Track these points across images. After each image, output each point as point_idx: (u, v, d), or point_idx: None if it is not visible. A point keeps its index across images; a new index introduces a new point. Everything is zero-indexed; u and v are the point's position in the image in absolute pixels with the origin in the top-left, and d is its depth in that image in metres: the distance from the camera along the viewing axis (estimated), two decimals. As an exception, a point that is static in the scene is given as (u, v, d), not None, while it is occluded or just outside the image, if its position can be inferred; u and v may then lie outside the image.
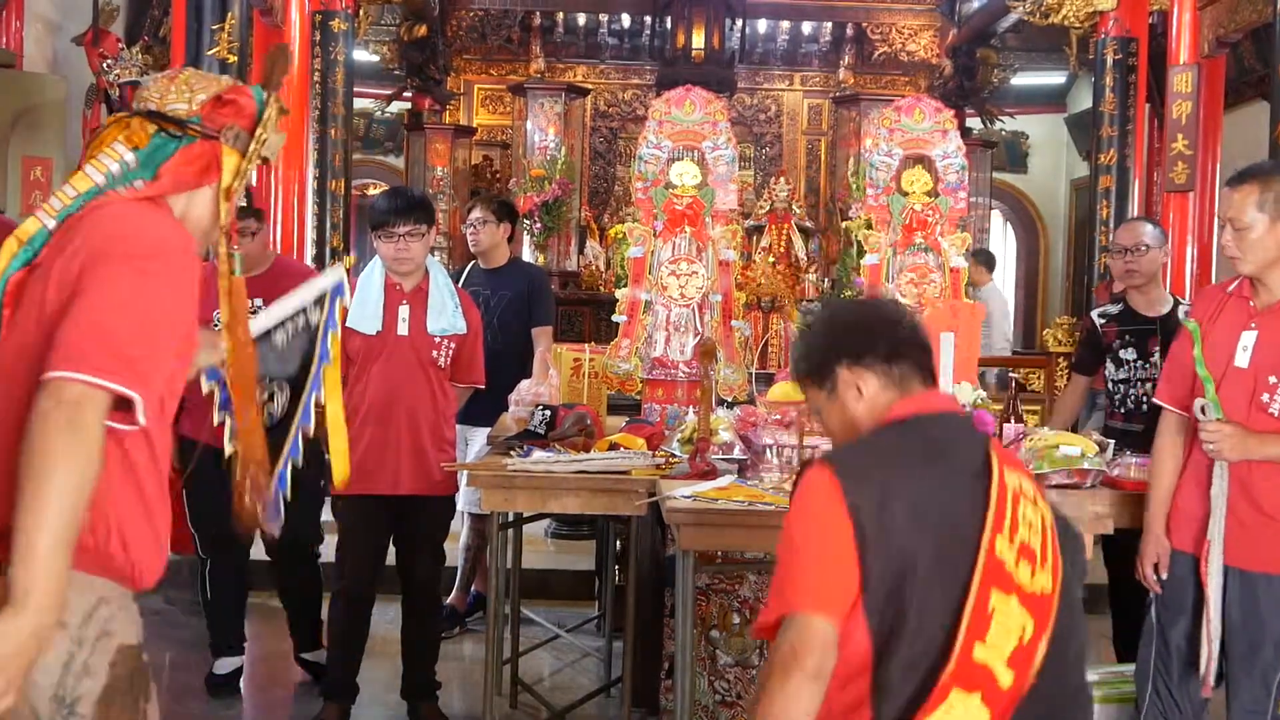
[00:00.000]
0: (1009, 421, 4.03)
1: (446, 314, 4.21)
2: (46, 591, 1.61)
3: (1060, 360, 8.36)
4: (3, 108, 6.77)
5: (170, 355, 1.82)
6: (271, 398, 2.53)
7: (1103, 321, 4.50)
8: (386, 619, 4.39)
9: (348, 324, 4.08)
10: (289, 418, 2.59)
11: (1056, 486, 3.59)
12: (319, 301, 2.69)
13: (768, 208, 9.71)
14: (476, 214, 5.40)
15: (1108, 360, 4.44)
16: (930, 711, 1.67)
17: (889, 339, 1.94)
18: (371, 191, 12.13)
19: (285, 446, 2.51)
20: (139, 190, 1.92)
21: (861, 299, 2.04)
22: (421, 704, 4.31)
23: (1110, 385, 4.44)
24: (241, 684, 4.71)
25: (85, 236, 1.81)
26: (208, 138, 1.99)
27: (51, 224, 1.87)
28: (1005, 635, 1.70)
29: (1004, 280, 15.06)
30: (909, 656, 1.70)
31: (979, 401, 3.92)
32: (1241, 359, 3.16)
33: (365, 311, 4.12)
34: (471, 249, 5.47)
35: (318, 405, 2.64)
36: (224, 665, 4.62)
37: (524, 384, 4.57)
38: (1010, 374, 4.43)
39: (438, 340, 4.18)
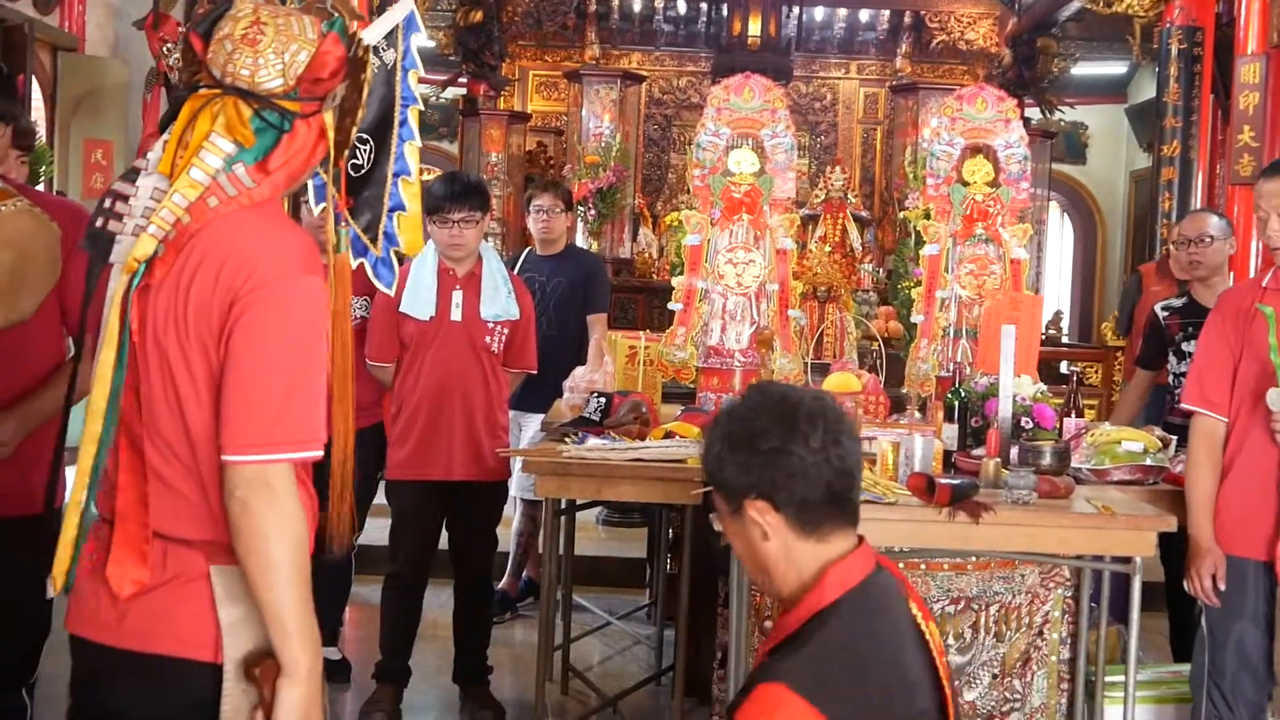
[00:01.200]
0: (1069, 416, 3.98)
1: (500, 300, 4.22)
2: (313, 656, 1.73)
3: (1118, 354, 8.25)
4: (65, 91, 6.87)
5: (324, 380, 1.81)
6: (354, 151, 2.23)
7: (1166, 314, 4.43)
8: (438, 603, 4.41)
9: (401, 309, 4.15)
10: (376, 167, 2.30)
11: (1118, 483, 3.54)
12: (389, 38, 2.29)
13: (823, 197, 9.65)
14: (547, 201, 5.39)
15: (1170, 354, 4.36)
16: None
17: (814, 483, 1.66)
18: (426, 177, 12.16)
19: (385, 199, 2.26)
20: (250, 187, 1.78)
21: (793, 403, 1.69)
22: (473, 688, 4.34)
23: (1172, 379, 4.37)
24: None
25: (220, 270, 1.72)
26: (308, 116, 1.81)
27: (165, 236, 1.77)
28: None
29: (1061, 273, 14.91)
30: None
31: (1039, 395, 3.87)
32: None
33: (419, 297, 4.13)
34: (541, 236, 5.45)
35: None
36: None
37: (579, 371, 4.57)
38: (1071, 368, 4.36)
39: (491, 326, 4.19)
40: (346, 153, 1.98)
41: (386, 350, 4.20)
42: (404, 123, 2.30)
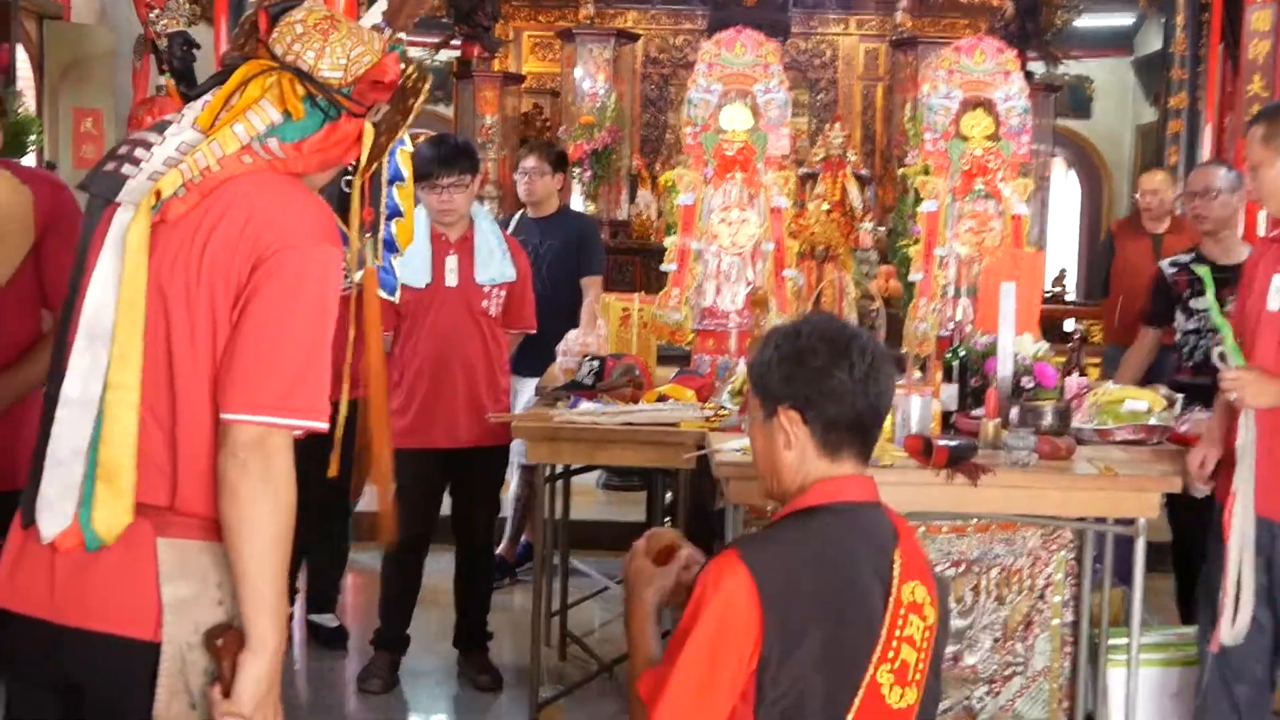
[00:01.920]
0: (1071, 375, 3.91)
1: (494, 262, 4.18)
2: (280, 633, 1.68)
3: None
4: (52, 59, 6.77)
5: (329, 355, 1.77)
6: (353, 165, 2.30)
7: (1173, 270, 4.34)
8: (437, 569, 4.37)
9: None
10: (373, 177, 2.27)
11: (1122, 443, 3.47)
12: None
13: (822, 155, 9.53)
14: (531, 163, 5.32)
15: (1178, 311, 4.28)
16: None
17: (845, 408, 1.80)
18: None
19: (381, 207, 2.29)
20: (282, 159, 1.78)
21: (849, 335, 1.82)
22: (473, 653, 4.33)
23: (1180, 336, 4.29)
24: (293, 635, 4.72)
25: (245, 225, 1.69)
26: (355, 115, 1.84)
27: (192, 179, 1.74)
28: None
29: (1066, 230, 14.79)
30: None
31: (1040, 354, 3.80)
32: (1273, 302, 3.09)
33: (413, 264, 4.08)
34: (524, 198, 5.39)
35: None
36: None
37: (571, 334, 4.52)
38: (1075, 326, 4.29)
39: (487, 289, 4.16)
40: (372, 169, 1.97)
41: (384, 319, 4.14)
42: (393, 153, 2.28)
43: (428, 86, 1.94)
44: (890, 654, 1.71)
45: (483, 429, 4.10)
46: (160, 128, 1.81)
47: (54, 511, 1.69)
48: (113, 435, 1.67)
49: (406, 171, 2.29)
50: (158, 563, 1.67)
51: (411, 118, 1.93)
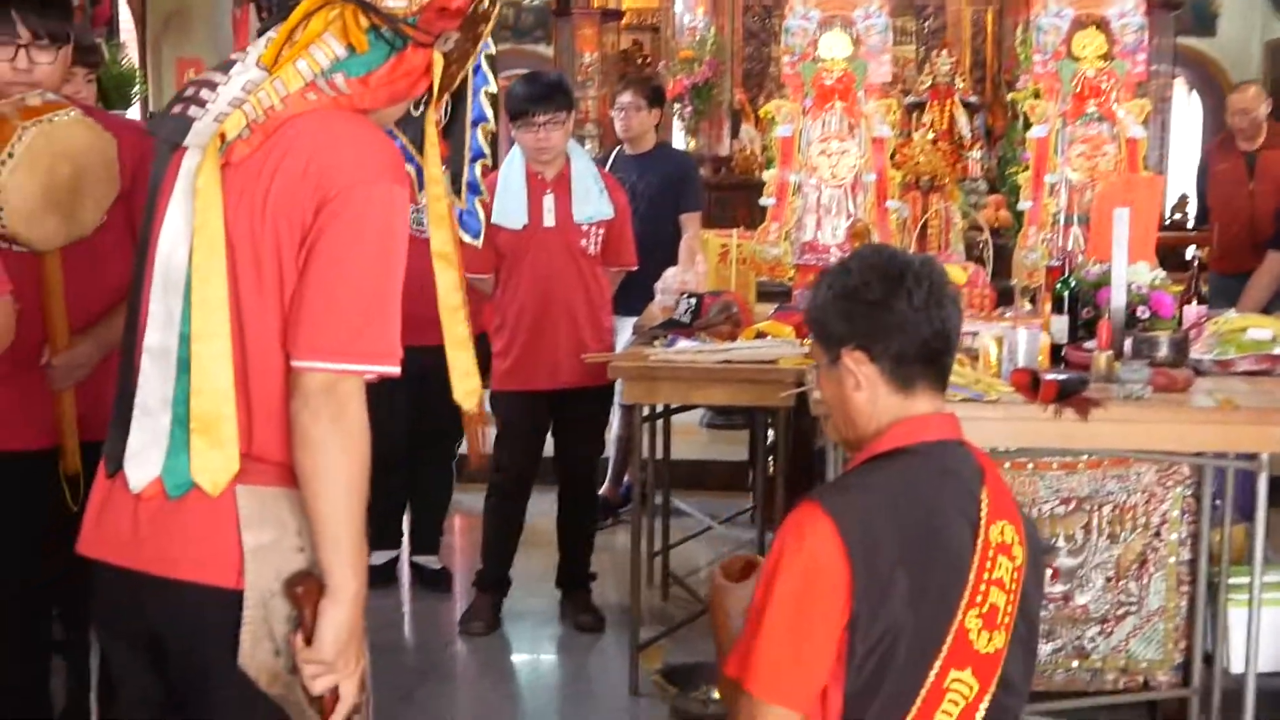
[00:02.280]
0: (1190, 304, 3.75)
1: (592, 200, 4.13)
2: (361, 579, 1.66)
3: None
4: (153, 11, 6.88)
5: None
6: None
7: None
8: (539, 510, 4.39)
9: (493, 220, 4.07)
10: (454, 120, 2.16)
11: (1244, 374, 3.31)
12: None
13: (929, 83, 9.28)
14: (627, 98, 5.26)
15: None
16: None
17: (911, 338, 1.71)
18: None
19: (465, 149, 2.24)
20: (348, 95, 1.71)
21: (901, 262, 1.73)
22: (575, 594, 4.34)
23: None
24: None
25: (308, 164, 1.65)
26: (421, 45, 1.76)
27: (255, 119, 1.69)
28: (954, 705, 1.63)
29: (1188, 154, 14.22)
30: None
31: (1157, 283, 3.65)
32: None
33: (509, 206, 4.06)
34: (621, 135, 5.33)
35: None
36: (379, 557, 4.67)
37: (670, 272, 4.47)
38: (1195, 253, 4.11)
39: (585, 228, 4.12)
40: (443, 101, 1.90)
41: (483, 262, 4.14)
42: (477, 81, 2.19)
43: (498, 10, 1.86)
44: (979, 598, 1.64)
45: (585, 369, 4.07)
46: (226, 67, 1.77)
47: (142, 461, 1.69)
48: (206, 385, 1.65)
49: (490, 112, 2.21)
50: (238, 510, 1.65)
51: (481, 44, 1.85)
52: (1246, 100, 5.67)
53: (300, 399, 1.61)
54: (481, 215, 2.26)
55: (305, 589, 1.63)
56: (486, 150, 2.24)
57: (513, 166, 4.12)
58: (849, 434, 1.80)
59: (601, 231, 4.15)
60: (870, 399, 1.73)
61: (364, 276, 1.64)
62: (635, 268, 4.37)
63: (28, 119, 2.51)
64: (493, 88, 2.22)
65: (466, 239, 2.27)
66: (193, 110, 1.73)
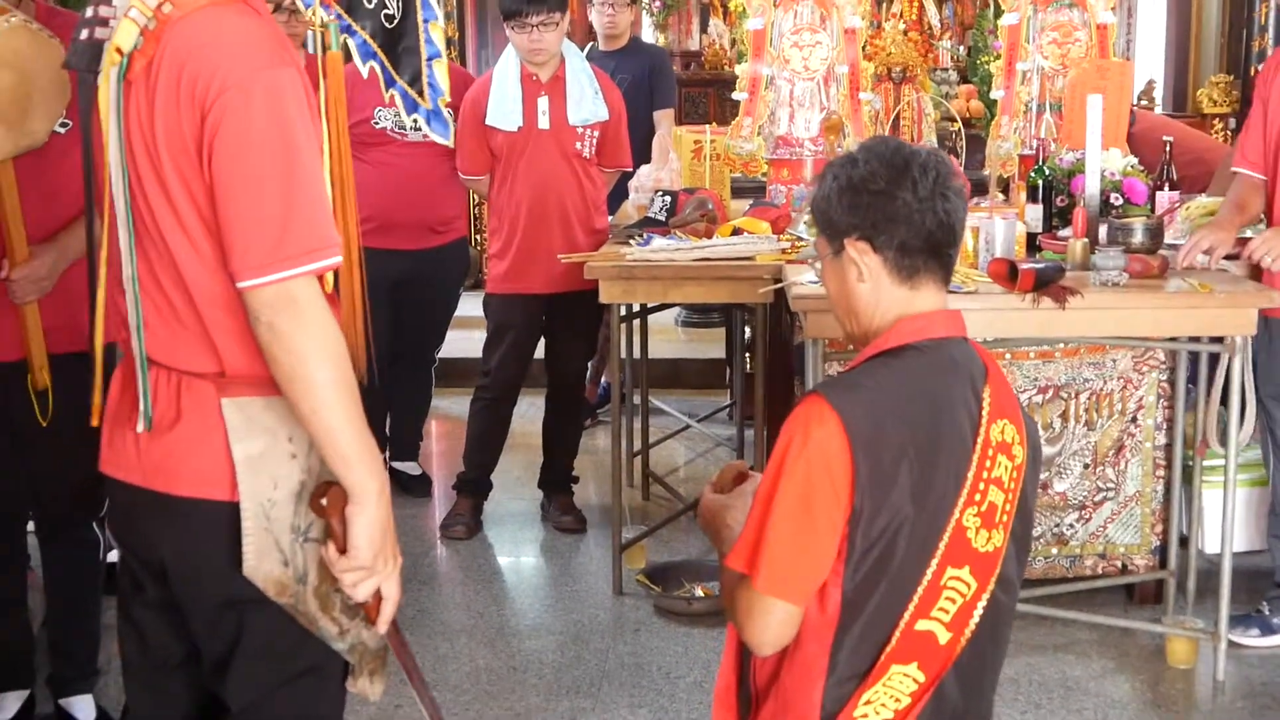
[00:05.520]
0: (1162, 189, 3.75)
1: (586, 102, 4.09)
2: (377, 477, 1.63)
3: (1215, 122, 7.81)
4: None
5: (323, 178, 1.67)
6: (384, 1, 2.14)
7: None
8: (519, 412, 4.39)
9: (488, 121, 4.04)
10: (406, 16, 2.19)
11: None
12: None
13: (898, -29, 9.14)
14: None
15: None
16: (869, 687, 1.62)
17: (915, 228, 1.68)
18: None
19: (421, 48, 2.22)
20: None
21: (907, 153, 1.71)
22: (557, 495, 4.36)
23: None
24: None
25: (180, 74, 1.56)
26: None
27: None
28: (950, 603, 1.64)
29: (1153, 37, 14.10)
30: (865, 629, 1.62)
31: (1130, 169, 3.64)
32: None
33: (504, 107, 4.02)
34: (607, 32, 5.23)
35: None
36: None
37: (644, 169, 4.44)
38: (1165, 138, 4.08)
39: (580, 131, 4.09)
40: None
41: (477, 163, 4.11)
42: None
43: None
44: (977, 496, 1.64)
45: (580, 272, 4.04)
46: None
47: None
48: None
49: (439, 11, 2.15)
50: (225, 423, 1.63)
51: None
52: None
53: (255, 320, 1.57)
54: (449, 115, 2.22)
55: (329, 499, 1.62)
56: (443, 49, 2.19)
57: (507, 68, 4.06)
58: (853, 328, 1.78)
59: (596, 134, 4.11)
60: (874, 290, 1.72)
61: (268, 177, 1.56)
62: (630, 169, 4.33)
63: (-38, 28, 2.43)
64: (440, 22, 2.17)
65: (437, 139, 2.23)
66: (99, 32, 1.65)
